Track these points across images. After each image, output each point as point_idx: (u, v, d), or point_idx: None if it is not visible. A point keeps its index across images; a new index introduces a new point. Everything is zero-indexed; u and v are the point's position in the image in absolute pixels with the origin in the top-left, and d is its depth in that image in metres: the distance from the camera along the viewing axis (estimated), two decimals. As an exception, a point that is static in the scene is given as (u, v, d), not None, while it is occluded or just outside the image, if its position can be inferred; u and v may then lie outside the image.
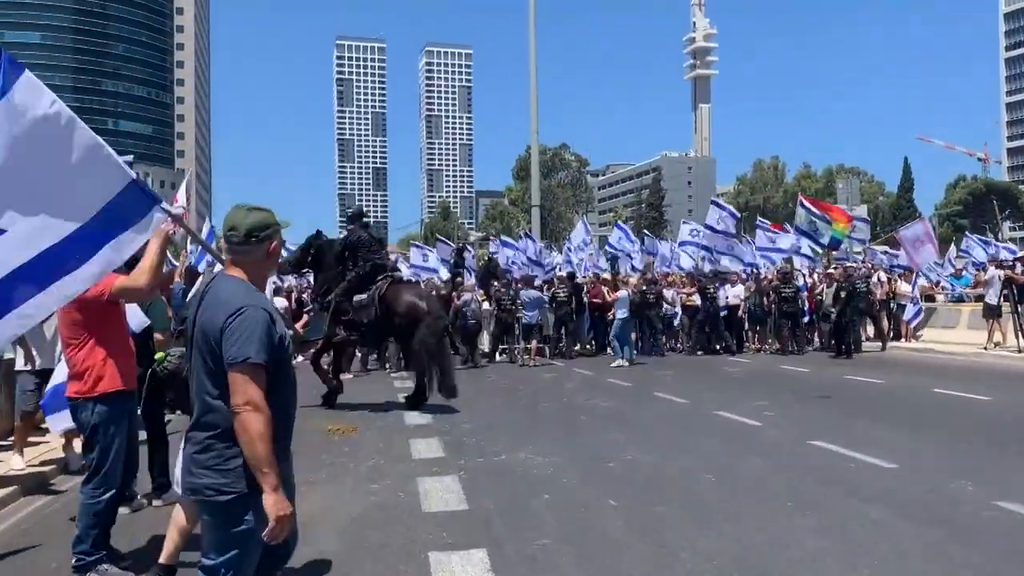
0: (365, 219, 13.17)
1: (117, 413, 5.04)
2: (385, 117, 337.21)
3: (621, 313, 17.51)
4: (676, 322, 20.69)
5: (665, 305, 20.03)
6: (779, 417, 10.20)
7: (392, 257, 15.73)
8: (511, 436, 9.26)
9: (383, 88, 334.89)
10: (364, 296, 11.79)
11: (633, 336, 18.02)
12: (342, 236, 12.74)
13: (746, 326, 20.37)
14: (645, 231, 39.01)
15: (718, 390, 13.08)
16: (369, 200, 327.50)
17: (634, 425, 10.02)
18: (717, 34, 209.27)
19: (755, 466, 7.55)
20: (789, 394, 12.44)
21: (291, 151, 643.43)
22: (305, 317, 11.85)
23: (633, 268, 24.06)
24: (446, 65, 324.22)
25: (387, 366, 17.62)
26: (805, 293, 19.66)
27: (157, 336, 6.41)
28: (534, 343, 17.72)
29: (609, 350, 18.52)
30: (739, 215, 24.62)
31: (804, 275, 20.95)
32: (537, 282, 20.85)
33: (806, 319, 19.84)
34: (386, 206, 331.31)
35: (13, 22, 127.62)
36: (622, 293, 18.12)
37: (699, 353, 19.74)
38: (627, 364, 16.99)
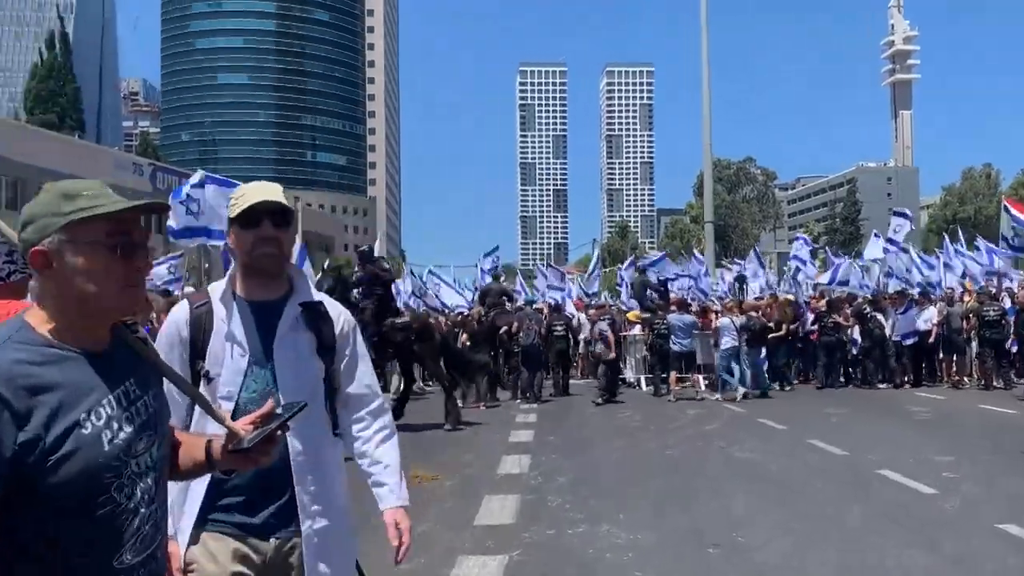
0: (375, 257, 13.57)
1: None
2: (566, 139, 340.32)
3: (725, 343, 15.47)
4: (855, 350, 17.95)
5: (843, 330, 17.44)
6: (964, 481, 7.86)
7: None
8: (605, 497, 7.59)
9: (564, 111, 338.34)
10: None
11: (736, 368, 15.88)
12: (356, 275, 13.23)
13: (940, 355, 17.35)
14: (824, 246, 35.47)
15: (890, 438, 10.69)
16: (549, 222, 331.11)
17: (765, 487, 8.02)
18: (919, 36, 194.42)
19: (915, 564, 5.47)
20: (985, 445, 9.89)
21: (474, 176, 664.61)
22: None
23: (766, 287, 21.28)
24: (627, 84, 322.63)
25: (526, 395, 16.21)
26: (1012, 317, 16.37)
27: None
28: (673, 374, 15.76)
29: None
30: (910, 215, 21.17)
31: (1013, 294, 17.59)
32: (695, 307, 18.86)
33: (1015, 347, 16.56)
34: (566, 227, 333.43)
35: (224, 66, 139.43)
36: (724, 320, 15.97)
37: (881, 386, 16.99)
38: (740, 394, 15.24)
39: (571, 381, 17.72)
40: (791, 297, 18.96)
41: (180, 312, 2.43)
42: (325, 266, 17.07)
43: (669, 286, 21.99)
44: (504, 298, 17.73)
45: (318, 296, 2.51)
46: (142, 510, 1.59)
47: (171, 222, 9.61)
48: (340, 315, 2.51)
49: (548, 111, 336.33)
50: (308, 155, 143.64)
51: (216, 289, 2.43)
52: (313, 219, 79.30)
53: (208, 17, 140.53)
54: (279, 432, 1.79)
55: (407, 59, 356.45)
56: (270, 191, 2.37)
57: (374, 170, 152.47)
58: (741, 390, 15.25)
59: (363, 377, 2.54)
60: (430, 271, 22.95)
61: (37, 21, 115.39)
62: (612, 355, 15.25)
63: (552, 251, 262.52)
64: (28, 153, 41.39)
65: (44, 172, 41.68)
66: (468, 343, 16.33)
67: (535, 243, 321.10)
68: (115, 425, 1.55)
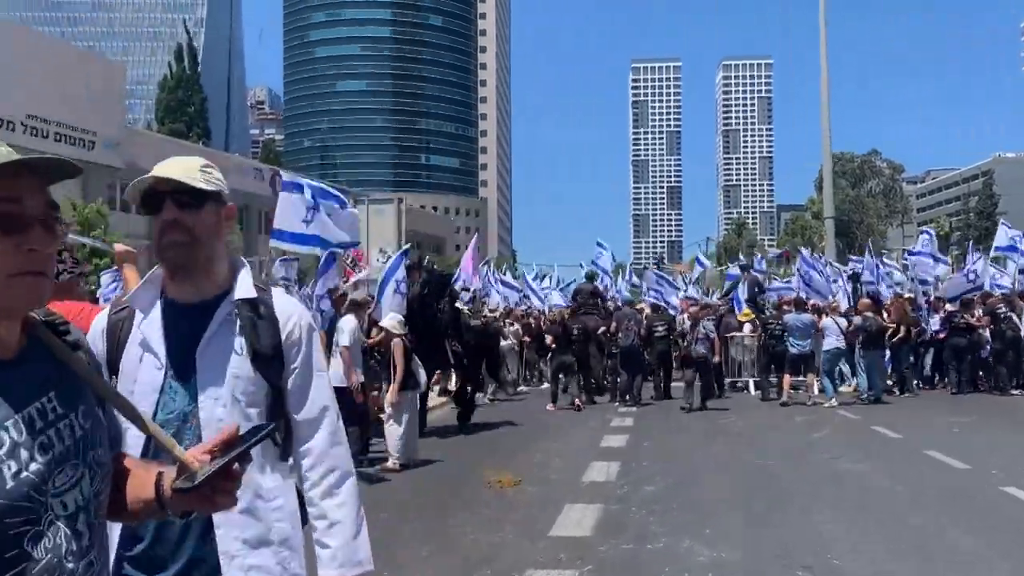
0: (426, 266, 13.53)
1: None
2: (680, 136, 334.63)
3: (828, 344, 14.67)
4: (984, 353, 16.58)
5: (975, 331, 16.15)
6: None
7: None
8: (691, 510, 7.15)
9: (678, 107, 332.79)
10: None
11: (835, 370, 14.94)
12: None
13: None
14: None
15: (1020, 451, 9.73)
16: (663, 220, 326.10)
17: (870, 503, 7.37)
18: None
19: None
20: None
21: (586, 175, 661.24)
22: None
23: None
24: (744, 77, 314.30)
25: (625, 398, 15.71)
26: None
27: None
28: (787, 378, 14.93)
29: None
30: None
31: None
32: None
33: None
34: (680, 225, 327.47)
35: (343, 73, 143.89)
36: (827, 321, 15.05)
37: (1015, 392, 15.65)
38: (835, 404, 14.19)
39: (674, 384, 17.12)
40: (911, 296, 17.72)
41: (99, 321, 2.06)
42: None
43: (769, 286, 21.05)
44: (596, 299, 17.33)
45: (275, 293, 2.05)
46: (69, 565, 1.20)
47: (279, 224, 9.51)
48: (291, 315, 2.01)
49: (661, 107, 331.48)
50: (422, 158, 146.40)
51: (139, 290, 2.02)
52: (424, 220, 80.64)
53: (327, 26, 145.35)
54: (238, 464, 1.37)
55: (518, 60, 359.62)
56: (173, 166, 1.91)
57: (485, 171, 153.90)
58: (834, 400, 14.31)
59: (318, 398, 2.02)
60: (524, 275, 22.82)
61: (170, 36, 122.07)
62: (716, 358, 14.52)
63: (666, 250, 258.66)
64: (156, 159, 43.62)
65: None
66: (553, 344, 16.10)
67: (648, 242, 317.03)
68: (22, 454, 1.18)
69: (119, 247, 4.03)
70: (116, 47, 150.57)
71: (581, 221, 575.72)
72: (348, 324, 8.94)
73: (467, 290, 18.24)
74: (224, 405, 1.90)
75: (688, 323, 15.55)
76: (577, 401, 14.71)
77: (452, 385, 16.65)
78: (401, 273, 11.01)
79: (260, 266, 22.55)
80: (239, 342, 1.93)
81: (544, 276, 28.82)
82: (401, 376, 9.07)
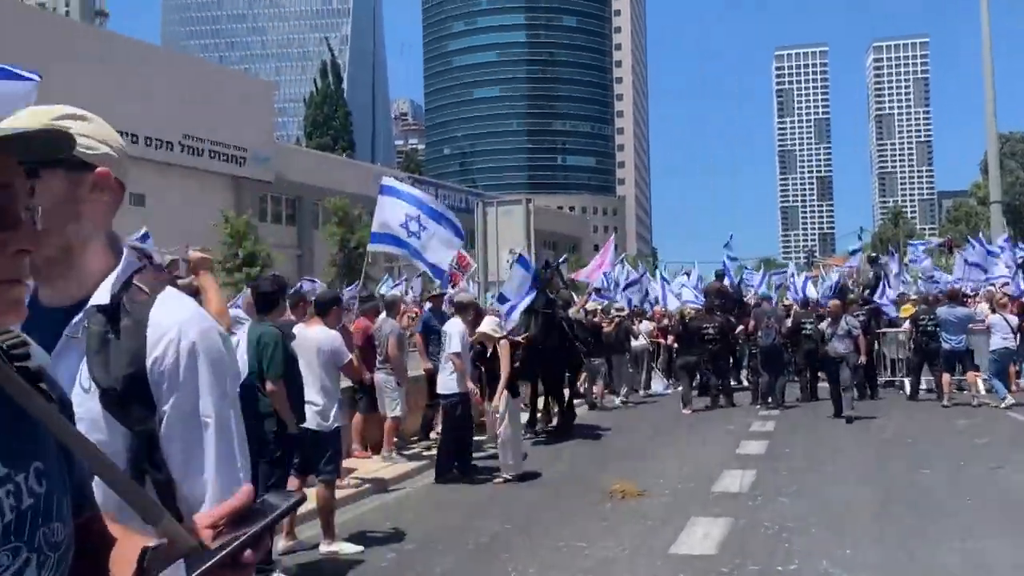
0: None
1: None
2: (829, 123, 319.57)
3: (995, 343, 13.30)
4: None
5: None
6: None
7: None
8: (831, 527, 6.50)
9: (826, 93, 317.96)
10: None
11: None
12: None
13: None
14: None
15: None
16: (813, 211, 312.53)
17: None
18: None
19: None
20: None
21: (729, 168, 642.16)
22: None
23: None
24: (897, 59, 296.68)
25: (767, 400, 14.82)
26: None
27: (268, 386, 5.25)
28: (946, 377, 13.61)
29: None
30: None
31: None
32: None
33: None
34: (832, 216, 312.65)
35: (478, 81, 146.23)
36: (995, 318, 13.60)
37: None
38: (1011, 402, 12.75)
39: (821, 384, 16.04)
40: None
41: None
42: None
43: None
44: (723, 298, 16.50)
45: (161, 299, 1.40)
46: None
47: (377, 226, 9.53)
48: (165, 332, 1.36)
49: (808, 95, 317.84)
50: (559, 159, 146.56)
51: None
52: (560, 221, 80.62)
53: (465, 36, 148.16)
54: (249, 550, 0.92)
55: (655, 55, 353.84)
56: (17, 119, 1.36)
57: (623, 169, 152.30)
58: (1009, 399, 12.90)
59: (200, 455, 1.37)
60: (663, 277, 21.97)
61: (318, 55, 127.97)
62: (861, 358, 13.17)
63: (817, 242, 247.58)
64: (303, 172, 45.80)
65: (315, 189, 45.89)
66: (674, 344, 15.42)
67: (797, 234, 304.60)
68: None
69: (193, 254, 3.93)
70: (269, 68, 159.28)
71: (725, 216, 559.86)
72: (456, 328, 8.67)
73: (598, 290, 17.82)
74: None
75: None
76: (686, 411, 14.14)
77: (591, 387, 16.30)
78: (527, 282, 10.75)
79: (399, 274, 22.93)
80: (84, 371, 1.36)
81: (686, 274, 27.81)
82: (507, 379, 8.71)
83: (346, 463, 8.96)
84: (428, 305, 10.42)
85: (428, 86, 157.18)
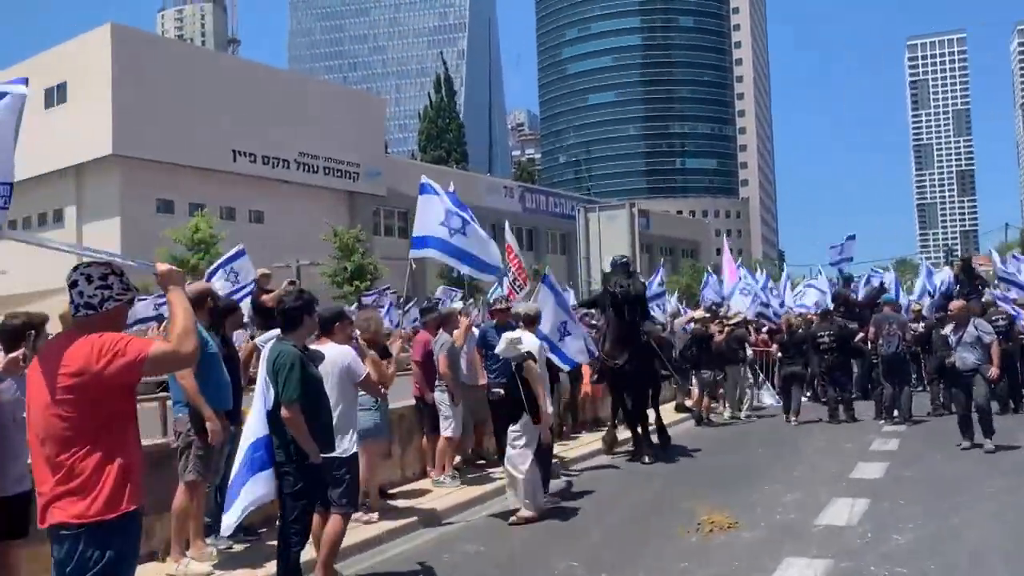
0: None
1: (135, 542, 3.41)
2: (968, 114, 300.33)
3: None
4: None
5: None
6: None
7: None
8: (951, 571, 5.45)
9: (965, 82, 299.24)
10: None
11: None
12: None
13: None
14: None
15: None
16: (952, 208, 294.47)
17: None
18: None
19: None
20: None
21: (860, 165, 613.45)
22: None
23: None
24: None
25: (891, 414, 13.40)
26: None
27: (283, 411, 4.76)
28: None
29: None
30: None
31: None
32: None
33: None
34: (975, 213, 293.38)
35: (593, 87, 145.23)
36: None
37: None
38: None
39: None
40: None
41: None
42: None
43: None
44: (845, 304, 15.18)
45: None
46: None
47: (418, 230, 8.94)
48: None
49: (945, 85, 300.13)
50: (677, 163, 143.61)
51: None
52: (677, 225, 78.64)
53: (578, 42, 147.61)
54: None
55: (777, 51, 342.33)
56: None
57: (746, 170, 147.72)
58: None
59: None
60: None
61: (435, 71, 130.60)
62: (993, 370, 10.98)
63: (959, 240, 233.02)
64: (415, 186, 46.21)
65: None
66: (779, 353, 14.24)
67: (936, 232, 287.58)
68: None
69: (161, 266, 3.43)
70: (390, 86, 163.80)
71: (857, 216, 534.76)
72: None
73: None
74: None
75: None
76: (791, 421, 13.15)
77: (689, 401, 15.30)
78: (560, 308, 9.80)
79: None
80: None
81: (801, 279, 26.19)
82: (541, 404, 7.62)
83: (414, 486, 8.46)
84: (491, 320, 9.70)
85: (543, 95, 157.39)
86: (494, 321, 9.16)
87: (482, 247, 9.07)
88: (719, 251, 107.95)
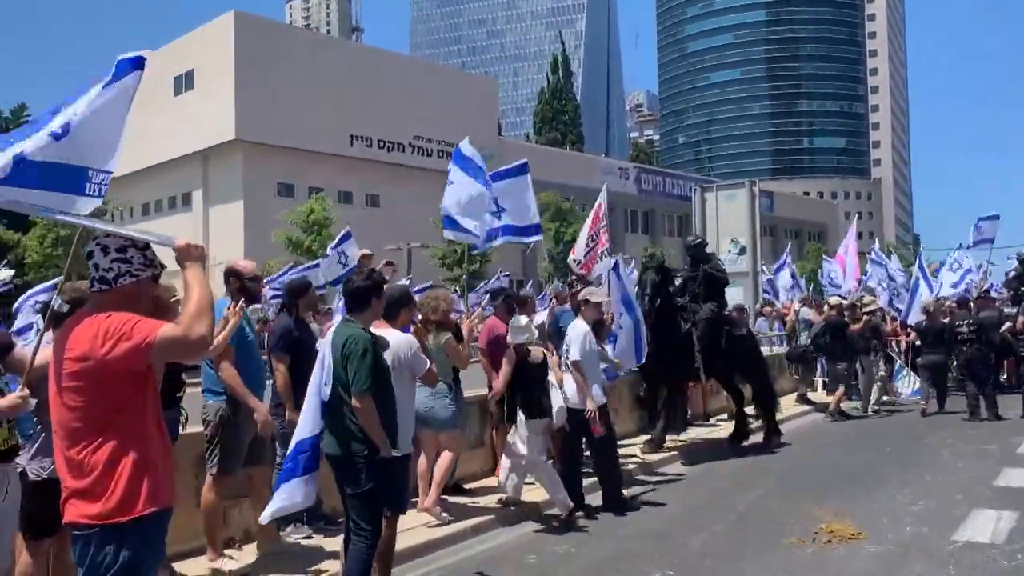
0: (709, 254, 11.00)
1: (157, 546, 3.06)
2: None
3: None
4: None
5: None
6: None
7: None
8: None
9: None
10: None
11: None
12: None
13: None
14: None
15: None
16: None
17: None
18: None
19: None
20: None
21: (1008, 143, 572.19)
22: None
23: None
24: None
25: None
26: None
27: (354, 401, 4.30)
28: None
29: None
30: None
31: None
32: None
33: None
34: None
35: (715, 64, 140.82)
36: None
37: None
38: None
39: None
40: None
41: None
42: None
43: None
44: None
45: None
46: None
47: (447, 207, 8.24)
48: None
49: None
50: (804, 142, 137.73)
51: None
52: (802, 207, 75.21)
53: (700, 19, 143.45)
54: None
55: (916, 21, 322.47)
56: None
57: (878, 149, 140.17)
58: None
59: None
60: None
61: (553, 53, 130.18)
62: None
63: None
64: (531, 168, 45.81)
65: (538, 183, 45.81)
66: (917, 342, 13.01)
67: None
68: None
69: (180, 241, 3.03)
70: (507, 69, 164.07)
71: (1004, 198, 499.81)
72: (578, 331, 7.17)
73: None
74: None
75: None
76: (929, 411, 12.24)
77: (812, 392, 14.28)
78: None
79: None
80: None
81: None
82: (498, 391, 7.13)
83: (484, 482, 7.92)
84: (556, 306, 9.00)
85: (662, 74, 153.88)
86: (567, 305, 8.52)
87: (519, 212, 8.42)
88: (847, 234, 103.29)
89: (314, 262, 11.61)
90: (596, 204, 10.13)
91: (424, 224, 34.89)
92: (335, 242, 12.57)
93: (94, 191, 3.58)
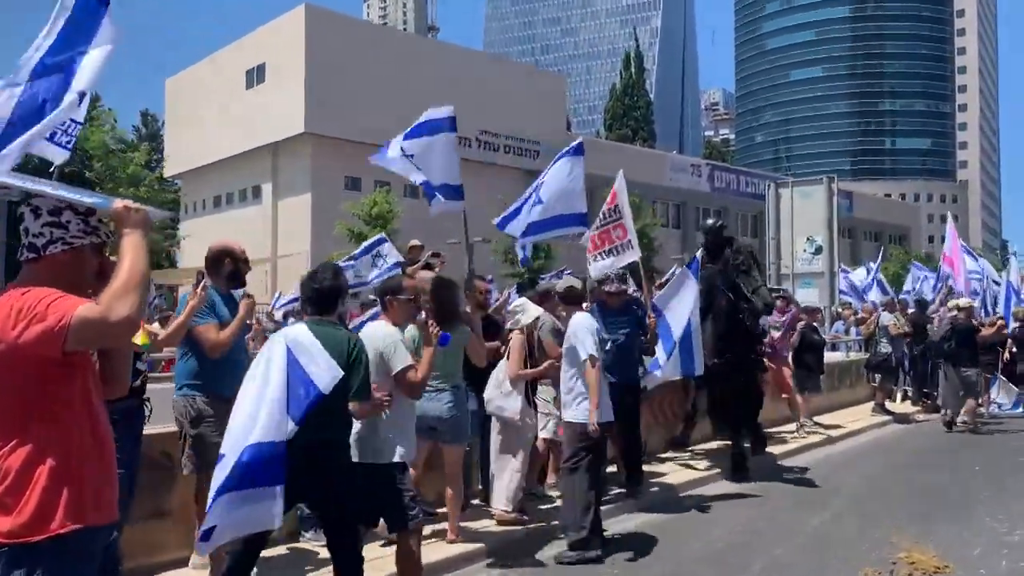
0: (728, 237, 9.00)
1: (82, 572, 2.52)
2: None
3: None
4: None
5: None
6: None
7: None
8: None
9: None
10: None
11: None
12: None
13: None
14: None
15: None
16: None
17: None
18: None
19: None
20: None
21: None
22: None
23: None
24: None
25: None
26: None
27: (355, 406, 3.75)
28: None
29: None
30: None
31: None
32: None
33: None
34: None
35: (797, 62, 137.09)
36: None
37: None
38: None
39: None
40: None
41: None
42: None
43: None
44: None
45: None
46: None
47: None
48: None
49: None
50: (887, 142, 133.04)
51: None
52: (884, 209, 72.32)
53: (780, 15, 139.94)
54: None
55: (1007, 17, 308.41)
56: None
57: (965, 151, 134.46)
58: None
59: None
60: None
61: (627, 50, 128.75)
62: None
63: None
64: (596, 164, 45.10)
65: (605, 179, 44.99)
66: (1013, 349, 11.95)
67: None
68: None
69: (117, 202, 2.52)
70: (580, 68, 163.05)
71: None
72: (587, 324, 5.99)
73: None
74: None
75: None
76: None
77: (890, 403, 13.28)
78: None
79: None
80: None
81: None
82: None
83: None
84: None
85: (739, 72, 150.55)
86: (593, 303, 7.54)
87: (567, 202, 7.63)
88: (932, 239, 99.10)
89: (349, 261, 11.10)
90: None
91: (489, 219, 34.41)
92: (368, 244, 11.84)
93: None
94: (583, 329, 5.71)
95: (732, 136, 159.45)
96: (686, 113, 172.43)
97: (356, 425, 3.99)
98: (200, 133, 41.73)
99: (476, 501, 6.75)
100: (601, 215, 7.85)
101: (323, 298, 3.98)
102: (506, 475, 6.18)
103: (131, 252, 2.40)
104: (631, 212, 7.98)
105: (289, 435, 3.46)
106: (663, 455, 9.15)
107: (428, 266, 10.18)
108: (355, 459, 3.91)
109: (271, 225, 39.86)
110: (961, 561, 5.58)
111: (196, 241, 28.05)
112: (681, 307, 7.53)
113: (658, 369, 7.53)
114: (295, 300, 10.63)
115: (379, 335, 4.34)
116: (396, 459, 3.96)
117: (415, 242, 11.41)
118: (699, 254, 8.29)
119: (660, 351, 7.52)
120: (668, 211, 50.60)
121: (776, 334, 10.54)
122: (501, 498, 6.20)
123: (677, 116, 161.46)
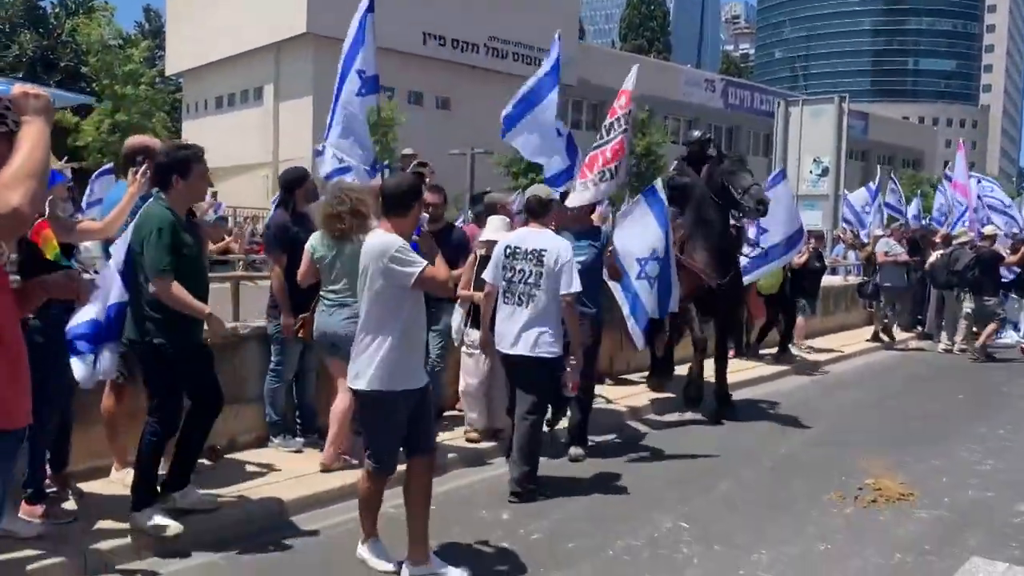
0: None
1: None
2: None
3: None
4: None
5: None
6: None
7: None
8: None
9: None
10: None
11: None
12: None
13: None
14: None
15: None
16: None
17: None
18: None
19: None
20: None
21: None
22: None
23: None
24: None
25: None
26: None
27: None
28: None
29: None
30: None
31: None
32: None
33: None
34: None
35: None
36: None
37: None
38: None
39: None
40: None
41: None
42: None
43: None
44: None
45: None
46: None
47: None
48: None
49: None
50: (910, 63, 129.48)
51: None
52: (898, 131, 70.71)
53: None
54: None
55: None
56: None
57: (989, 74, 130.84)
58: None
59: None
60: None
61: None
62: None
63: None
64: (608, 76, 44.00)
65: (616, 93, 43.99)
66: None
67: None
68: None
69: (16, 88, 2.33)
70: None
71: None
72: (568, 250, 5.38)
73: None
74: None
75: None
76: None
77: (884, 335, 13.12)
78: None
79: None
80: None
81: None
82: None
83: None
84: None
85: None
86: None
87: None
88: (947, 163, 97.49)
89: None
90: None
91: (494, 130, 33.72)
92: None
93: None
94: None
95: (752, 51, 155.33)
96: (705, 26, 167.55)
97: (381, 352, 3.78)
98: (202, 31, 40.69)
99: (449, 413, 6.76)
100: (604, 128, 6.91)
101: (155, 172, 4.34)
102: (468, 396, 6.17)
103: (28, 140, 2.23)
104: (637, 125, 7.52)
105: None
106: (633, 377, 8.97)
107: (419, 176, 9.94)
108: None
109: (272, 127, 39.26)
110: (927, 489, 5.56)
111: (198, 143, 27.65)
112: (637, 243, 6.88)
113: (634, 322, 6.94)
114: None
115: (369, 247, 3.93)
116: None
117: (407, 151, 11.16)
118: (659, 180, 7.42)
119: (620, 295, 6.88)
120: (680, 127, 49.66)
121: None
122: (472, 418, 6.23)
123: (696, 28, 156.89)
